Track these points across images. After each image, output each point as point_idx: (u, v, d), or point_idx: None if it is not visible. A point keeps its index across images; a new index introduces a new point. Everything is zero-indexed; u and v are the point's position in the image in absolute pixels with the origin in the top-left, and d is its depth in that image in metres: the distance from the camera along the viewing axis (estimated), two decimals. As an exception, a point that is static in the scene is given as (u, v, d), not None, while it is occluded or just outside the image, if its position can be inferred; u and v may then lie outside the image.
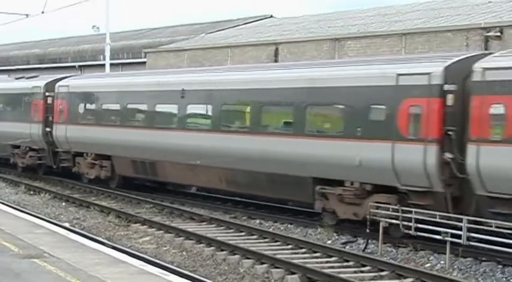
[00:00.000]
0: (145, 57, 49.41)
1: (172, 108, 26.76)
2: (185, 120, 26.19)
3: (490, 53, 19.41)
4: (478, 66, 17.76)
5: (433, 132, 18.30)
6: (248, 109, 23.88)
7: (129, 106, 29.13)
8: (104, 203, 27.14)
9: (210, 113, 25.34)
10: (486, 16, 32.08)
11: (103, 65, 47.47)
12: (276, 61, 37.39)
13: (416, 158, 18.45)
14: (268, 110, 23.16)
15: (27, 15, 40.63)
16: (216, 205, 26.12)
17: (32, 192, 30.88)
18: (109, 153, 30.06)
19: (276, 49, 38.84)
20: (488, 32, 29.10)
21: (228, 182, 24.80)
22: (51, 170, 35.03)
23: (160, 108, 27.51)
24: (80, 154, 31.83)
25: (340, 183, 20.56)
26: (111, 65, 46.60)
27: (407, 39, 32.14)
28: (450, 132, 18.10)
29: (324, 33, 38.31)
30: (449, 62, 18.69)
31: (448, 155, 18.04)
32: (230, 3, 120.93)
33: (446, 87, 18.22)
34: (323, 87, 21.21)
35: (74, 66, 59.09)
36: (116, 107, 29.89)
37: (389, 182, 19.24)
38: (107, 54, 45.31)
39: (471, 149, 17.46)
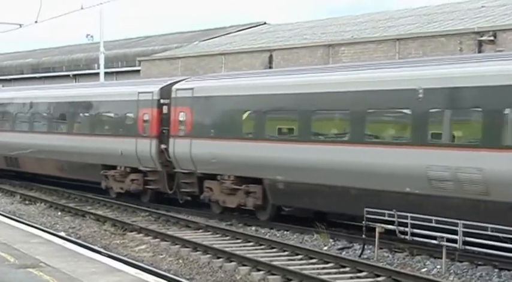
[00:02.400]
0: (139, 65, 49.39)
1: (26, 116, 36.43)
2: (33, 124, 35.86)
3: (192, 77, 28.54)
4: (174, 87, 26.76)
5: (154, 131, 27.44)
6: (67, 115, 33.36)
7: (0, 114, 38.96)
8: (99, 212, 27.11)
9: (46, 119, 34.82)
10: (479, 21, 32.16)
11: (97, 74, 47.48)
12: (270, 68, 37.43)
13: (146, 148, 27.59)
14: (78, 116, 32.57)
15: (20, 25, 40.50)
16: (211, 213, 26.11)
17: (27, 202, 30.85)
18: None
19: (270, 56, 38.93)
20: (481, 37, 29.20)
21: (58, 170, 34.22)
22: None
23: (19, 115, 37.16)
24: None
25: (114, 167, 29.56)
26: (106, 73, 46.57)
27: (401, 45, 32.23)
28: (164, 131, 26.99)
29: (317, 39, 38.37)
30: (164, 84, 27.79)
31: (163, 146, 26.94)
32: (223, 10, 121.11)
33: (162, 101, 27.19)
34: (104, 101, 30.80)
35: (68, 76, 59.00)
36: None
37: (136, 165, 28.43)
38: (101, 62, 45.31)
39: (171, 141, 26.48)
